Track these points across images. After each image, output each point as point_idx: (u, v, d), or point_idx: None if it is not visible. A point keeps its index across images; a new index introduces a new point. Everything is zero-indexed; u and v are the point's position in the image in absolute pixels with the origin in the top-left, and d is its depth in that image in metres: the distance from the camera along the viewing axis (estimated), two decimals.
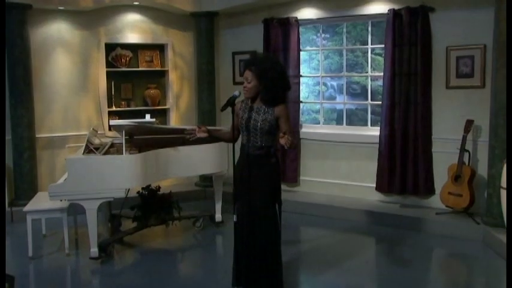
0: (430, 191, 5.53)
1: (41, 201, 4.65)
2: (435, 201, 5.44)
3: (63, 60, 6.26)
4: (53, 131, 6.23)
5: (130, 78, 6.76)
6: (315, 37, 6.59)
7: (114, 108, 6.60)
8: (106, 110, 6.50)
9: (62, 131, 6.28)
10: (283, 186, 3.60)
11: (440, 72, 5.41)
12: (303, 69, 6.52)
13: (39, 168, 6.06)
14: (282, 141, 3.09)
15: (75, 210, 4.81)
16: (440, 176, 5.39)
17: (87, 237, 4.40)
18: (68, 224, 4.54)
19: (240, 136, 3.53)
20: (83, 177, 4.21)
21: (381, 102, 5.78)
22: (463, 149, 5.09)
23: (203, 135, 3.63)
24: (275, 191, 3.47)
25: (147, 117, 6.31)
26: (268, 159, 3.41)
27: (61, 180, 4.48)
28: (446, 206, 5.26)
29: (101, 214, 5.10)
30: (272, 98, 3.37)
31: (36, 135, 5.98)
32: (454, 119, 5.33)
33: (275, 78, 3.34)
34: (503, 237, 4.43)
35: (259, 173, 3.39)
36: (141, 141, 4.92)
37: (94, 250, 4.38)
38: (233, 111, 3.35)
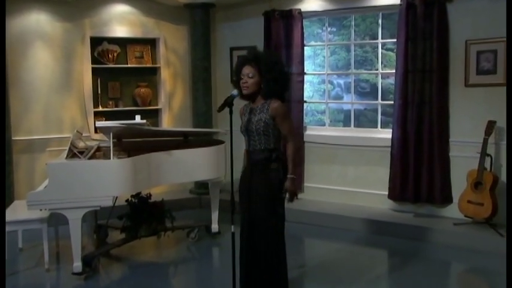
0: (448, 199, 5.49)
1: (17, 211, 4.59)
2: (453, 210, 5.39)
3: (43, 55, 6.16)
4: (32, 133, 6.14)
5: (119, 75, 6.72)
6: (320, 31, 6.59)
7: (100, 109, 6.56)
8: (91, 110, 6.45)
9: (42, 133, 6.19)
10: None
11: (458, 69, 5.37)
12: (307, 66, 6.52)
13: (16, 174, 5.97)
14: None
15: (56, 220, 4.73)
16: (459, 183, 5.32)
17: (69, 250, 4.34)
18: (48, 236, 4.46)
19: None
20: (65, 184, 4.15)
21: (392, 102, 5.76)
22: (484, 153, 5.03)
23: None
24: (277, 200, 3.40)
25: (137, 118, 6.32)
26: (269, 164, 3.37)
27: (41, 188, 4.41)
28: (466, 216, 5.20)
29: (86, 225, 5.07)
30: (273, 91, 3.37)
31: (13, 138, 5.90)
32: (473, 120, 5.28)
33: (279, 72, 3.37)
34: None
35: (259, 180, 3.38)
36: (131, 144, 4.94)
37: (77, 264, 4.31)
38: (231, 112, 3.30)
